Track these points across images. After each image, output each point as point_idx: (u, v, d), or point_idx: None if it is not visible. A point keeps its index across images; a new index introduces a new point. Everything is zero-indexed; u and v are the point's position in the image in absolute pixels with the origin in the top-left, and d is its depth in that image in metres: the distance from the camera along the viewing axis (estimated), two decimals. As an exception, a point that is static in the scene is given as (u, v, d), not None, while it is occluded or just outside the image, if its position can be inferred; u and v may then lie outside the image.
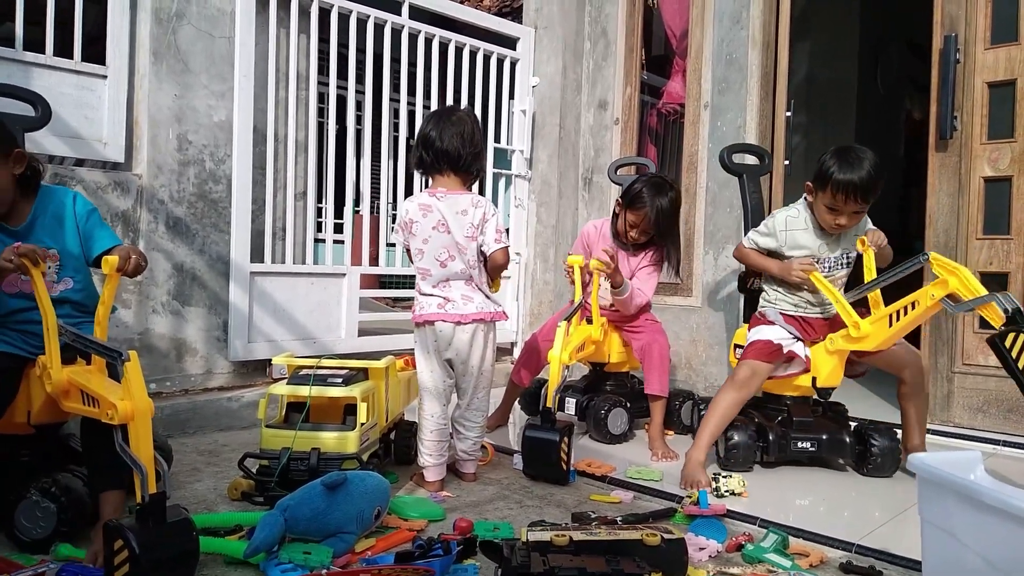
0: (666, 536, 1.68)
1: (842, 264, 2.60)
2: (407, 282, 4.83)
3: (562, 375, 2.49)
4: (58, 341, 1.71)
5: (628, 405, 3.00)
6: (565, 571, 1.48)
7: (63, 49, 3.00)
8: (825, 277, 2.51)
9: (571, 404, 3.09)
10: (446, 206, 2.31)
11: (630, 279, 2.95)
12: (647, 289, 2.99)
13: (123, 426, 1.51)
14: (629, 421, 3.00)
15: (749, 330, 2.67)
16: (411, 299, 5.02)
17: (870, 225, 2.63)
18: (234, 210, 3.27)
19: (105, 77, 3.07)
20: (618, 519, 1.97)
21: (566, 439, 2.40)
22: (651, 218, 2.84)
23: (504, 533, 1.89)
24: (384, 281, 6.00)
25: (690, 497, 2.15)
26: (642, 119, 4.50)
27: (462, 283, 2.33)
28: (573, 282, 2.90)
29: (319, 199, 3.68)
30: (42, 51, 2.93)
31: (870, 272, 2.46)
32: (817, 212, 2.52)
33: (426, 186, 2.45)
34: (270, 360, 3.36)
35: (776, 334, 2.55)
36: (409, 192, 3.90)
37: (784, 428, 2.59)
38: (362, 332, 3.76)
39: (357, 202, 3.85)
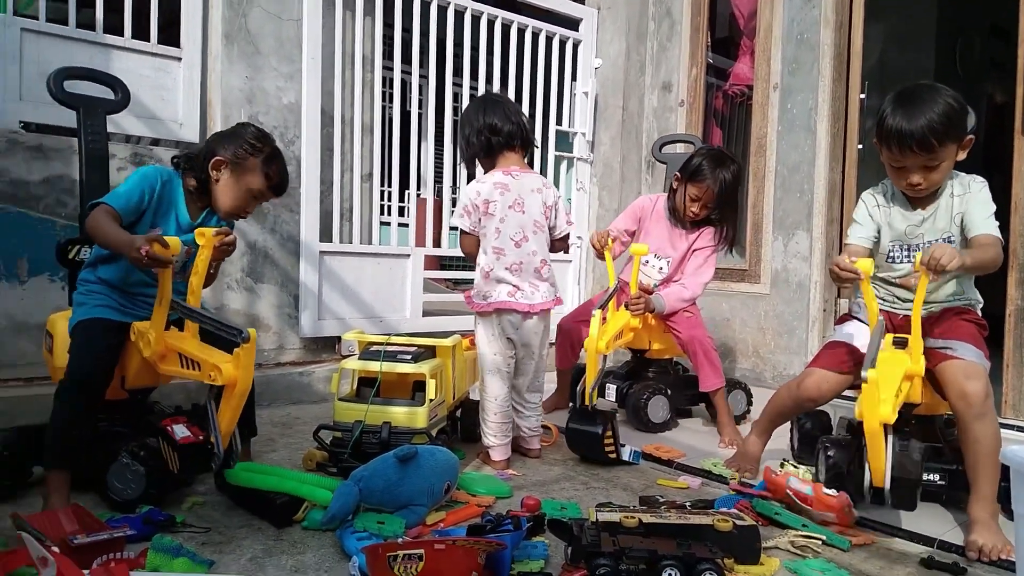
0: (738, 522, 1.67)
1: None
2: (467, 264, 4.86)
3: (599, 366, 2.44)
4: (166, 314, 1.83)
5: (669, 393, 2.94)
6: (635, 552, 1.48)
7: (140, 33, 3.11)
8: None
9: (611, 391, 3.02)
10: (521, 185, 2.33)
11: (684, 259, 2.91)
12: (703, 274, 2.90)
13: (219, 391, 1.58)
14: (671, 410, 2.95)
15: (835, 326, 2.38)
16: (470, 282, 5.03)
17: (978, 191, 2.01)
18: (303, 191, 3.34)
19: (180, 59, 3.17)
20: (687, 504, 1.96)
21: (609, 429, 2.40)
22: (714, 191, 2.77)
23: (572, 512, 1.90)
24: (444, 264, 6.06)
25: (734, 478, 2.24)
26: (707, 101, 4.41)
27: (532, 268, 2.34)
28: (602, 257, 2.74)
29: (383, 182, 3.73)
30: (121, 34, 3.04)
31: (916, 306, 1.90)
32: (889, 176, 2.05)
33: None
34: (339, 337, 3.46)
35: (861, 336, 2.13)
36: (472, 176, 3.92)
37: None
38: (425, 313, 3.82)
39: (419, 185, 3.89)
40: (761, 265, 3.80)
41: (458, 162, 3.97)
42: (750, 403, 3.21)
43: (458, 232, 2.41)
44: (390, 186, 3.74)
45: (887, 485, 1.89)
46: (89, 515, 1.63)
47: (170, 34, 3.19)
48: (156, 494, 1.81)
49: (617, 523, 1.62)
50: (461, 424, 2.60)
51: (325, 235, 3.44)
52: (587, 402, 2.41)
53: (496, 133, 2.33)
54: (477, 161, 2.44)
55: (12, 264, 2.73)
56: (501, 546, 1.42)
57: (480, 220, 2.32)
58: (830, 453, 2.07)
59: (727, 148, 4.88)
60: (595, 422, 2.40)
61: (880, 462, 1.86)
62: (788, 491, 1.99)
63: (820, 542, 1.78)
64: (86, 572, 1.28)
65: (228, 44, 3.16)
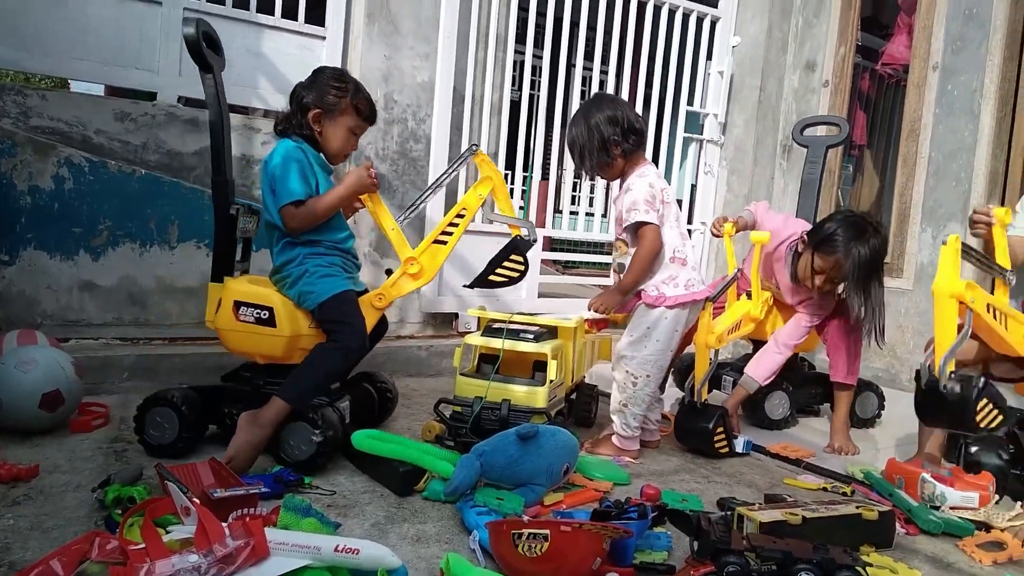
0: (881, 510, 1.65)
1: None
2: (576, 247, 4.80)
3: (710, 361, 2.34)
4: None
5: (790, 389, 2.77)
6: (768, 552, 1.40)
7: (288, 13, 3.24)
8: None
9: (728, 383, 2.85)
10: None
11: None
12: (801, 335, 2.65)
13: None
14: (791, 407, 2.78)
15: None
16: (580, 264, 4.94)
17: None
18: (431, 168, 3.39)
19: (324, 38, 3.28)
20: (807, 502, 1.84)
21: (721, 424, 2.31)
22: (844, 267, 2.37)
23: (693, 505, 1.83)
24: (554, 246, 6.03)
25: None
26: (853, 82, 4.12)
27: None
28: (720, 236, 2.61)
29: (505, 164, 3.72)
30: (272, 14, 3.18)
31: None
32: None
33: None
34: (456, 313, 3.51)
35: None
36: (580, 175, 3.87)
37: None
38: (541, 294, 3.81)
39: (531, 167, 3.87)
40: (905, 258, 3.52)
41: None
42: (882, 407, 2.99)
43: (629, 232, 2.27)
44: (511, 168, 3.75)
45: None
46: (225, 469, 1.72)
47: (316, 14, 3.31)
48: (323, 463, 1.90)
49: (782, 521, 1.56)
50: (576, 407, 2.56)
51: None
52: (696, 399, 2.34)
53: (638, 132, 2.29)
54: (601, 164, 2.31)
55: (164, 230, 2.93)
56: (628, 533, 1.38)
57: (659, 210, 2.25)
58: (972, 449, 2.02)
59: (869, 135, 4.56)
60: (706, 417, 2.32)
61: None
62: (924, 475, 1.87)
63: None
64: (224, 524, 1.34)
65: (369, 23, 3.24)
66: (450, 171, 2.28)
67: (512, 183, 5.19)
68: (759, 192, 4.20)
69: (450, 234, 2.17)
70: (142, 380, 2.64)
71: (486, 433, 1.96)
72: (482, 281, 2.19)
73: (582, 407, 2.56)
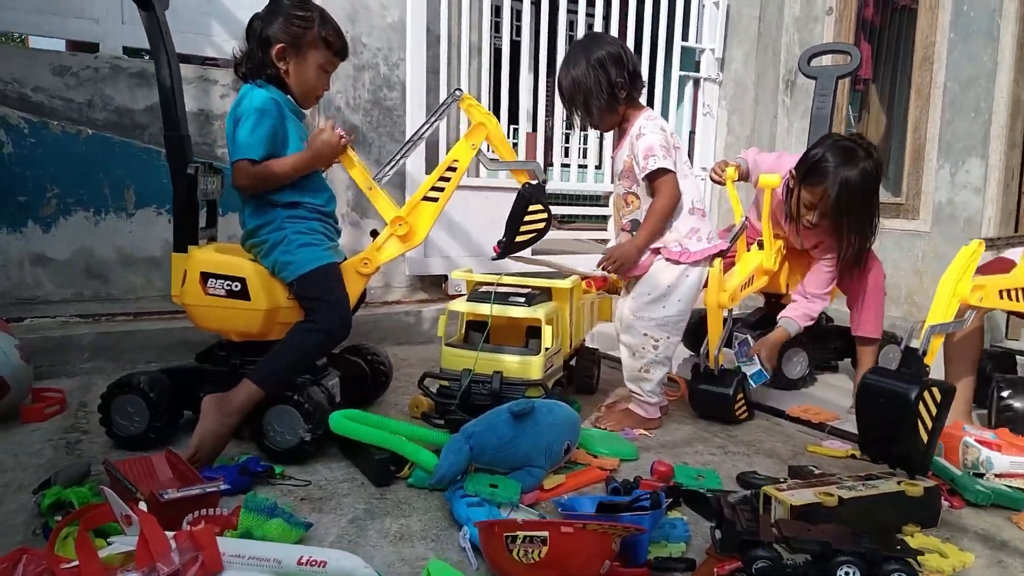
0: (926, 484, 1.46)
1: None
2: (571, 202, 4.56)
3: (724, 321, 2.16)
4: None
5: (809, 346, 2.57)
6: (803, 543, 1.21)
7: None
8: None
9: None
10: None
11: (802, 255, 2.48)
12: (829, 283, 2.38)
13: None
14: (809, 364, 2.58)
15: None
16: (577, 219, 4.62)
17: None
18: (408, 118, 3.13)
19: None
20: (840, 476, 1.65)
21: (740, 390, 2.15)
22: (832, 196, 2.11)
23: (710, 482, 1.64)
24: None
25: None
26: (858, 8, 3.83)
27: None
28: (722, 182, 2.38)
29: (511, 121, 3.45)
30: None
31: None
32: None
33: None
34: (446, 276, 3.28)
35: None
36: (571, 124, 3.61)
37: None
38: (535, 252, 3.57)
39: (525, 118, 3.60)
40: (921, 198, 3.29)
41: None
42: None
43: (652, 179, 2.01)
44: (515, 123, 3.49)
45: None
46: (183, 462, 1.52)
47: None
48: (311, 450, 1.71)
49: (817, 504, 1.36)
50: (576, 373, 2.37)
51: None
52: (711, 364, 2.16)
53: (640, 75, 2.06)
54: (606, 110, 2.05)
55: (120, 196, 2.69)
56: (640, 531, 1.18)
57: (674, 157, 2.02)
58: (1004, 393, 1.91)
59: (875, 67, 4.28)
60: (724, 383, 2.14)
61: None
62: (966, 438, 1.67)
63: None
64: (170, 535, 1.15)
65: (329, -44, 2.94)
66: (432, 120, 2.03)
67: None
68: (762, 132, 3.95)
69: (441, 190, 1.93)
70: (104, 361, 2.44)
71: (477, 410, 1.77)
72: (511, 246, 1.95)
73: (583, 373, 2.37)
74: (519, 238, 1.93)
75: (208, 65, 2.97)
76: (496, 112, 3.48)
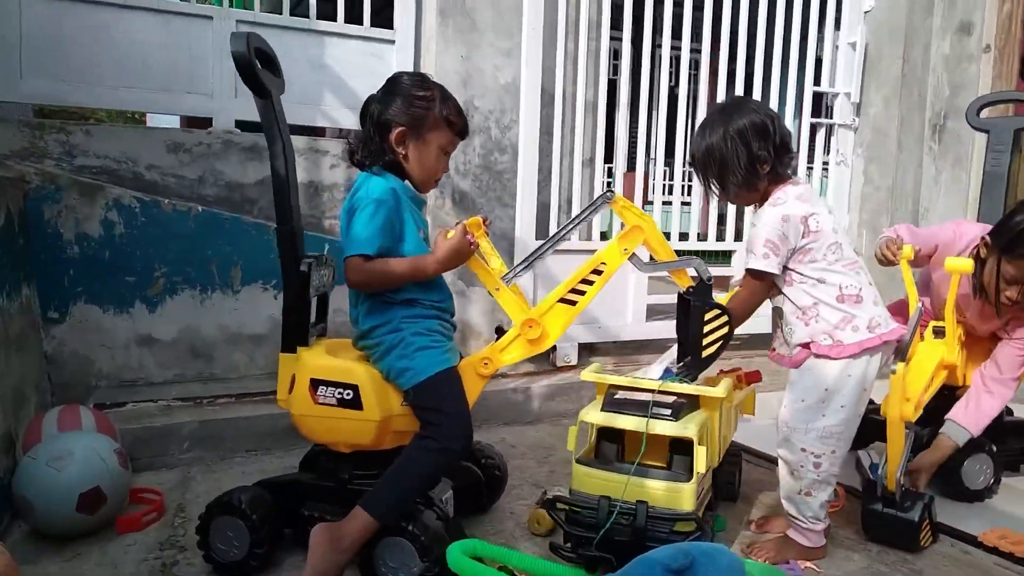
0: None
1: None
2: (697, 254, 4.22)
3: (907, 443, 1.81)
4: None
5: (993, 449, 2.14)
6: None
7: (353, 18, 2.86)
8: None
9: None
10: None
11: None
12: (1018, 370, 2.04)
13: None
14: (995, 471, 2.14)
15: None
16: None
17: None
18: (519, 182, 2.94)
19: (393, 42, 2.88)
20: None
21: (927, 515, 1.81)
22: None
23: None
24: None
25: None
26: None
27: None
28: (888, 261, 2.03)
29: (606, 159, 3.23)
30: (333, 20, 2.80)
31: None
32: None
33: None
34: (554, 346, 3.05)
35: None
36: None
37: None
38: (650, 315, 3.30)
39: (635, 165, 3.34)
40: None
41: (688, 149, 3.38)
42: None
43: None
44: (609, 162, 3.25)
45: None
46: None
47: (383, 17, 2.92)
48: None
49: None
50: (717, 481, 2.05)
51: (541, 231, 3.02)
52: (891, 487, 1.81)
53: (789, 149, 1.76)
54: (743, 186, 1.76)
55: (226, 273, 2.60)
56: None
57: (794, 247, 1.71)
58: None
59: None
60: (909, 508, 1.80)
61: None
62: None
63: None
64: None
65: (443, 21, 2.80)
66: (577, 221, 1.84)
67: (619, 186, 4.71)
68: (905, 181, 3.55)
69: (582, 293, 1.70)
70: (205, 450, 2.33)
71: (615, 545, 1.50)
72: (700, 364, 1.69)
73: (725, 479, 2.06)
74: (705, 352, 1.66)
75: (318, 136, 2.89)
76: (609, 159, 3.25)
